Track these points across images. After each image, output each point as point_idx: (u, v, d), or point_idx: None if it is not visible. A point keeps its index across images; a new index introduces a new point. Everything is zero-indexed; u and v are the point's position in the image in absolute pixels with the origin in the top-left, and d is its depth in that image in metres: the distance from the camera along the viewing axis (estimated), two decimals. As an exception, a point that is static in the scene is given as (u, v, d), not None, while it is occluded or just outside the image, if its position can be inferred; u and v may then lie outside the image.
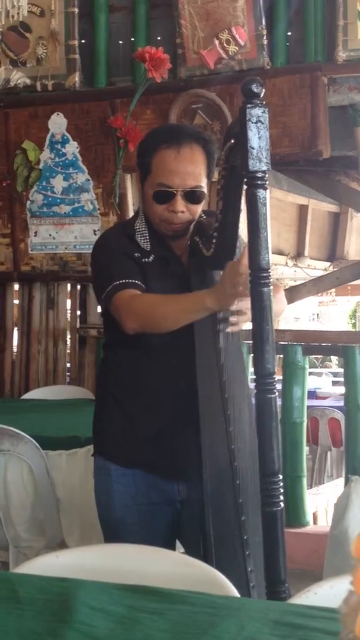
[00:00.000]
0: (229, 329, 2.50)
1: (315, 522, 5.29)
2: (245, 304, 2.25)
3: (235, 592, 1.78)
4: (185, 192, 2.55)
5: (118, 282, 2.54)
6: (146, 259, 2.62)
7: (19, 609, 1.58)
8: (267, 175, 2.17)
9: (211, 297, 2.36)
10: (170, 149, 2.55)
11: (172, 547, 2.62)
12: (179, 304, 2.48)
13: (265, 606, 1.71)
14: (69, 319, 5.61)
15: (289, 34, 4.86)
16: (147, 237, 2.63)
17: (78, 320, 5.58)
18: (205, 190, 2.60)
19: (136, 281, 2.55)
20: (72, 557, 1.95)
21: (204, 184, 2.58)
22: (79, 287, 5.52)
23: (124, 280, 2.54)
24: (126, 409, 2.67)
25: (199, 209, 2.60)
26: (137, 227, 2.66)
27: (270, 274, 2.19)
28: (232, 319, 2.46)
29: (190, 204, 2.57)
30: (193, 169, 2.55)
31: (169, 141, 2.56)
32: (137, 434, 2.65)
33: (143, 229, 2.65)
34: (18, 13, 3.91)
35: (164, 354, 2.61)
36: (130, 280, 2.54)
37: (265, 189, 2.17)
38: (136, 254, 2.61)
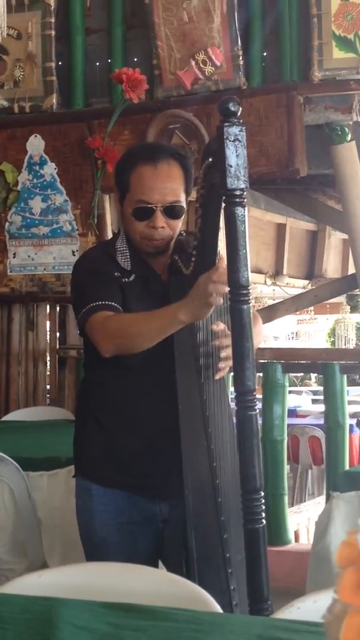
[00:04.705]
0: (217, 376, 2.50)
1: (297, 540, 5.30)
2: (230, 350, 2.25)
3: (218, 609, 1.77)
4: (165, 208, 2.56)
5: (93, 304, 2.53)
6: (127, 279, 2.61)
7: (1, 628, 1.57)
8: (245, 193, 2.18)
9: (184, 310, 2.34)
10: (147, 165, 2.56)
11: (155, 566, 2.61)
12: (152, 321, 2.46)
13: (248, 621, 1.72)
14: (48, 340, 5.59)
15: (265, 54, 4.89)
16: (128, 257, 2.63)
17: (57, 341, 5.57)
18: (184, 205, 2.60)
19: (112, 303, 2.54)
20: (54, 576, 1.94)
21: (182, 199, 2.59)
22: (58, 308, 5.51)
23: (99, 302, 2.53)
24: (106, 430, 2.66)
25: (178, 224, 2.61)
26: (118, 246, 2.66)
27: (250, 291, 2.20)
28: (220, 364, 2.46)
29: (170, 219, 2.57)
30: (171, 184, 2.56)
31: (145, 158, 2.57)
32: (117, 454, 2.64)
33: (124, 248, 2.65)
34: (-4, 36, 3.92)
35: (142, 375, 2.60)
36: (106, 302, 2.53)
37: (243, 206, 2.18)
38: (116, 274, 2.60)
